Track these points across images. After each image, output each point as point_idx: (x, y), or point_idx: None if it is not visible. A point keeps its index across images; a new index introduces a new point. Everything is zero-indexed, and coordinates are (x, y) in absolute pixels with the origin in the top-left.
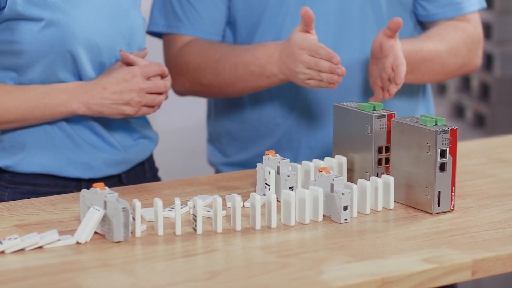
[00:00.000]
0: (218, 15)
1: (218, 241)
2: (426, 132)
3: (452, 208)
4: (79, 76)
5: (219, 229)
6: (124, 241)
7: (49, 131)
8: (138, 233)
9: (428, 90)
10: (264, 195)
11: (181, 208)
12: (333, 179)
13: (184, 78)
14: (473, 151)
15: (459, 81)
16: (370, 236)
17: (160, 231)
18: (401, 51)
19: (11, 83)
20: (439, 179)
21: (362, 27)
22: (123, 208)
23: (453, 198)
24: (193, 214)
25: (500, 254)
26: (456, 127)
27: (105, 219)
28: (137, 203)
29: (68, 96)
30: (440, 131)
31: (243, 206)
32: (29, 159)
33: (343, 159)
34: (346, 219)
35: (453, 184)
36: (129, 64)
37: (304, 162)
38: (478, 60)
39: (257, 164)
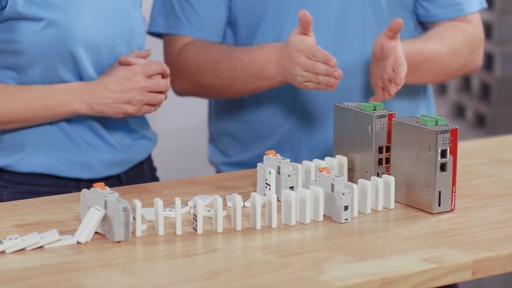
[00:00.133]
0: (218, 16)
1: (218, 241)
2: (426, 132)
3: (452, 208)
4: (79, 76)
5: (220, 229)
6: (124, 241)
7: (49, 131)
8: (138, 233)
9: (429, 91)
10: (264, 195)
11: (182, 208)
12: (333, 179)
13: (183, 79)
14: (474, 151)
15: (459, 81)
16: (371, 236)
17: (161, 231)
18: (402, 52)
19: (12, 83)
20: (439, 179)
21: (363, 28)
22: (124, 208)
23: (453, 198)
24: (193, 214)
25: (500, 254)
26: (457, 127)
27: (105, 219)
28: (138, 203)
29: (70, 96)
30: (441, 131)
31: (244, 206)
32: (28, 159)
33: (344, 159)
34: (346, 219)
35: (454, 184)
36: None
37: (304, 162)
38: (479, 60)
39: (257, 164)
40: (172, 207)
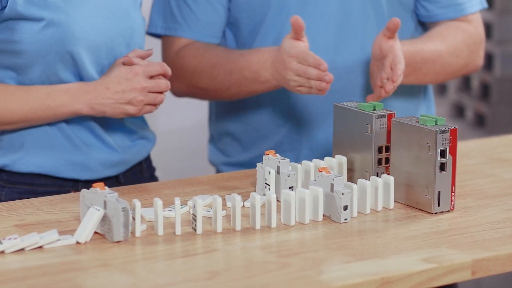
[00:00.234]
0: (216, 18)
1: (218, 241)
2: (426, 131)
3: (452, 208)
4: (79, 76)
5: (219, 229)
6: (124, 241)
7: (48, 132)
8: (138, 233)
9: (429, 91)
10: (264, 195)
11: (181, 208)
12: (333, 179)
13: (180, 81)
14: (473, 150)
15: (459, 81)
16: (370, 236)
17: (160, 231)
18: (400, 51)
19: (11, 83)
20: (439, 179)
21: (363, 28)
22: (123, 208)
23: (453, 197)
24: (193, 214)
25: (500, 253)
26: (456, 126)
27: (105, 219)
28: (137, 203)
29: (71, 97)
30: (440, 131)
31: (243, 206)
32: (27, 159)
33: (343, 159)
34: (346, 219)
35: (453, 183)
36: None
37: (304, 162)
38: (479, 60)
39: (257, 164)
40: (171, 207)
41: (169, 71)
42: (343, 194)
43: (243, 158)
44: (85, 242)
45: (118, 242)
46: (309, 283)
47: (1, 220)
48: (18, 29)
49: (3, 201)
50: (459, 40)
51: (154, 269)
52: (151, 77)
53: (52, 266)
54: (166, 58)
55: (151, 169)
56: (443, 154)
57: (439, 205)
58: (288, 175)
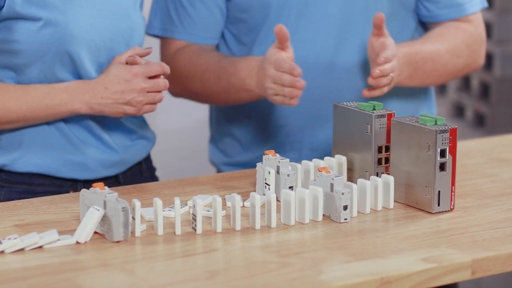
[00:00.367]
0: (213, 20)
1: (217, 240)
2: (426, 131)
3: (451, 207)
4: (78, 75)
5: (219, 229)
6: (123, 241)
7: (46, 131)
8: (137, 233)
9: (430, 92)
10: (264, 194)
11: (181, 207)
12: (333, 179)
13: (175, 83)
14: (473, 150)
15: (459, 81)
16: (370, 236)
17: (160, 231)
18: (392, 45)
19: (10, 82)
20: (439, 179)
21: (365, 28)
22: (123, 208)
23: (452, 197)
24: (192, 214)
25: (500, 253)
26: (456, 126)
27: (104, 219)
28: (137, 203)
29: (69, 96)
30: (440, 131)
31: (243, 206)
32: (26, 159)
33: (343, 159)
34: (345, 219)
35: (453, 183)
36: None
37: (304, 161)
38: (481, 60)
39: (257, 163)
40: (171, 207)
41: (168, 70)
42: (343, 194)
43: (244, 158)
44: (85, 242)
45: (118, 242)
46: (308, 283)
47: (1, 220)
48: (16, 28)
49: (2, 201)
50: (459, 40)
51: (154, 269)
52: (150, 77)
53: (51, 266)
54: (163, 59)
55: (152, 169)
56: (443, 154)
57: (439, 205)
58: (288, 175)
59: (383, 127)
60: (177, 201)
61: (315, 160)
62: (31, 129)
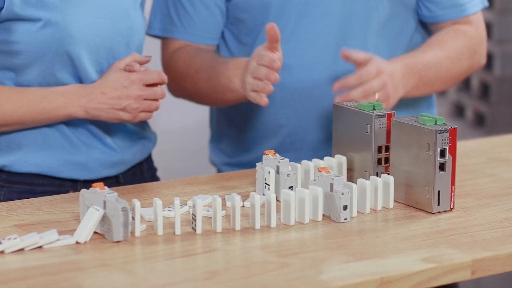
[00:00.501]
0: (213, 20)
1: (217, 240)
2: (425, 131)
3: (451, 207)
4: (77, 76)
5: (219, 229)
6: (123, 241)
7: (46, 132)
8: (137, 233)
9: (432, 100)
10: (263, 194)
11: (181, 207)
12: (332, 179)
13: (173, 83)
14: (473, 150)
15: None
16: (370, 236)
17: (160, 231)
18: (376, 60)
19: (10, 83)
20: (438, 179)
21: (365, 29)
22: (123, 208)
23: (452, 197)
24: (192, 214)
25: (499, 253)
26: (456, 126)
27: (104, 219)
28: (137, 203)
29: (66, 100)
30: (440, 131)
31: (243, 206)
32: (25, 159)
33: (343, 159)
34: (345, 219)
35: (453, 183)
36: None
37: (303, 161)
38: (483, 59)
39: (256, 163)
40: (171, 207)
41: (165, 79)
42: (342, 193)
43: (244, 159)
44: (85, 242)
45: (117, 242)
46: (308, 283)
47: (1, 220)
48: (15, 29)
49: (2, 201)
50: (459, 44)
51: (153, 269)
52: (148, 85)
53: (51, 266)
54: (163, 59)
55: (153, 170)
56: (442, 153)
57: (438, 205)
58: (288, 175)
59: (383, 127)
60: (177, 201)
61: (315, 160)
62: (30, 129)
